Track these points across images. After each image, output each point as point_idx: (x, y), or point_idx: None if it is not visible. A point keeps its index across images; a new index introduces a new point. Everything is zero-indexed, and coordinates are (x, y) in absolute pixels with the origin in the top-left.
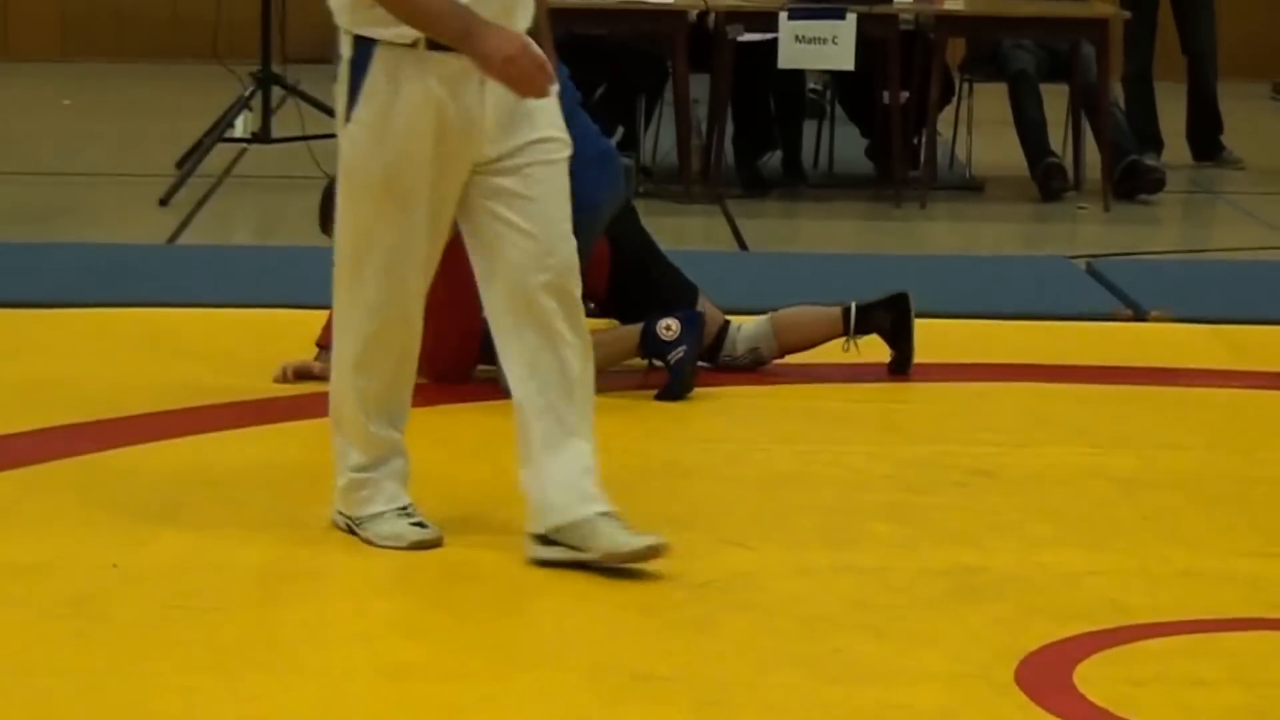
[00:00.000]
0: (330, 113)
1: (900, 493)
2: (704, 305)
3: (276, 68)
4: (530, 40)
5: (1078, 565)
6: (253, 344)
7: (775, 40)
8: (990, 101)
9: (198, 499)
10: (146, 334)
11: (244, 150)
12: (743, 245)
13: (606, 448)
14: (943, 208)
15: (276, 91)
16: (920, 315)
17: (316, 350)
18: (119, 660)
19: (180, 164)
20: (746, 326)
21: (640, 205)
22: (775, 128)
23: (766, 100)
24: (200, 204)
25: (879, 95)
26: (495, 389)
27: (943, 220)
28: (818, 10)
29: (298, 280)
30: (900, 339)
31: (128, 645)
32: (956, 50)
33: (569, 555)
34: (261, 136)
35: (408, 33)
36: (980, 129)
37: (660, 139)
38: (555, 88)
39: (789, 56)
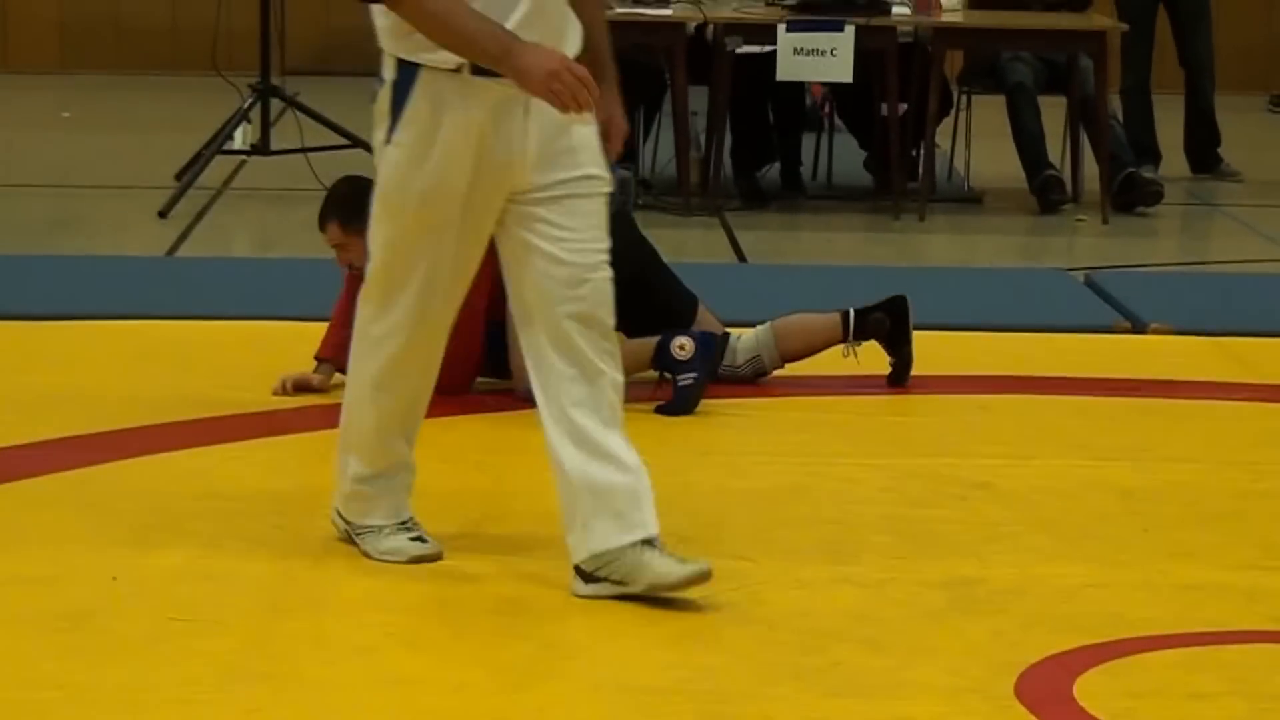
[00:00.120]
0: (330, 125)
1: (900, 505)
2: (704, 316)
3: (276, 80)
4: (570, 58)
5: (1077, 578)
6: (252, 356)
7: (774, 52)
8: (988, 114)
9: (197, 511)
10: (146, 346)
11: (243, 162)
12: (741, 257)
13: None
14: (941, 220)
15: (276, 103)
16: (919, 327)
17: (315, 363)
18: (119, 673)
19: (179, 176)
20: (746, 336)
21: (639, 217)
22: (774, 140)
23: (765, 112)
24: (199, 216)
25: (877, 107)
26: (495, 400)
27: (941, 232)
28: (816, 22)
29: (297, 292)
30: (899, 342)
31: (127, 658)
32: (955, 62)
33: (613, 591)
34: (261, 148)
35: (451, 58)
36: (978, 141)
37: (659, 151)
38: (594, 123)
39: (787, 68)
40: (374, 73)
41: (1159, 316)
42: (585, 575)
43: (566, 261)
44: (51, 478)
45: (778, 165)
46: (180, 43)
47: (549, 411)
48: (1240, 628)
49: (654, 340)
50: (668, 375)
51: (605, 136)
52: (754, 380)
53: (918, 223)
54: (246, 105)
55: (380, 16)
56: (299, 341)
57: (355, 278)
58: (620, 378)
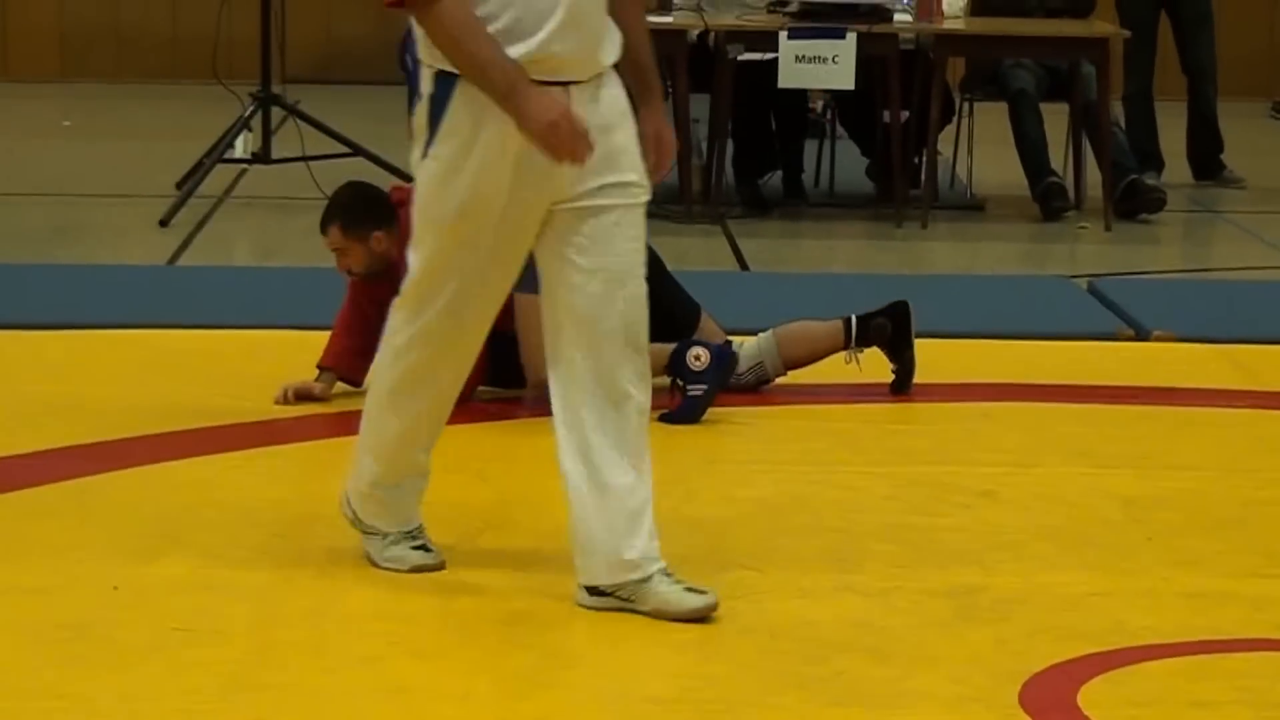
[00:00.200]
0: (331, 134)
1: (903, 514)
2: (706, 324)
3: (276, 88)
4: (571, 109)
5: (1081, 586)
6: (253, 365)
7: (776, 59)
8: (990, 120)
9: (198, 521)
10: (147, 355)
11: (244, 171)
12: (744, 265)
13: None
14: (944, 227)
15: (277, 112)
16: (922, 335)
17: (317, 371)
18: (120, 683)
19: (180, 185)
20: (748, 344)
21: None
22: (776, 147)
23: (767, 120)
24: (201, 225)
25: (879, 114)
26: (498, 408)
27: (944, 240)
28: (818, 30)
29: (298, 301)
30: (900, 348)
31: (129, 668)
32: (957, 69)
33: (618, 606)
34: (262, 157)
35: None
36: (981, 148)
37: None
38: (632, 127)
39: (789, 76)
40: (375, 81)
41: (1162, 324)
42: (591, 590)
43: (601, 279)
44: (52, 487)
45: (779, 173)
46: (181, 51)
47: (565, 429)
48: (1244, 636)
49: (670, 346)
50: (679, 382)
51: (652, 152)
52: (757, 388)
53: (920, 230)
54: (247, 114)
55: (419, 26)
56: (300, 350)
57: (357, 286)
58: (647, 400)
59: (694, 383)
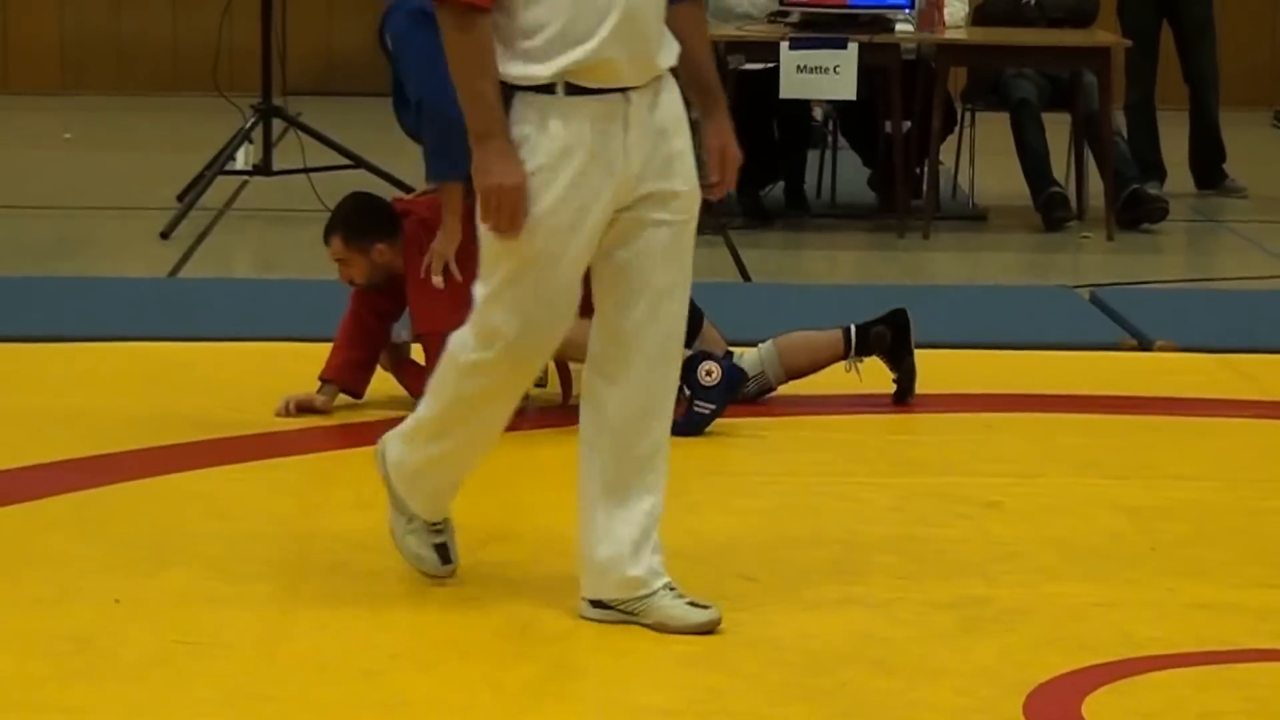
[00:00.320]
0: (332, 145)
1: (907, 525)
2: (707, 332)
3: (277, 100)
4: (525, 186)
5: (1086, 597)
6: (254, 377)
7: (777, 70)
8: (992, 130)
9: (200, 534)
10: (148, 368)
11: (245, 183)
12: (746, 276)
13: None
14: (946, 237)
15: (278, 124)
16: (924, 345)
17: (319, 384)
18: (122, 696)
19: (181, 197)
20: (749, 354)
21: None
22: (778, 158)
23: (769, 130)
24: (202, 237)
25: (881, 125)
26: None
27: (946, 250)
28: (819, 40)
29: (300, 313)
30: (900, 355)
31: (131, 681)
32: (958, 79)
33: (621, 618)
34: (263, 169)
35: (542, 73)
36: (983, 158)
37: None
38: (688, 134)
39: (791, 86)
40: (376, 93)
41: (1165, 333)
42: (594, 603)
43: (641, 293)
44: (54, 500)
45: (781, 183)
46: (181, 63)
47: (587, 448)
48: (1250, 646)
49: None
50: (686, 392)
51: (716, 167)
52: (758, 398)
53: (922, 240)
54: (248, 125)
55: (442, 24)
56: (302, 362)
57: (359, 297)
58: (670, 410)
59: (701, 399)
